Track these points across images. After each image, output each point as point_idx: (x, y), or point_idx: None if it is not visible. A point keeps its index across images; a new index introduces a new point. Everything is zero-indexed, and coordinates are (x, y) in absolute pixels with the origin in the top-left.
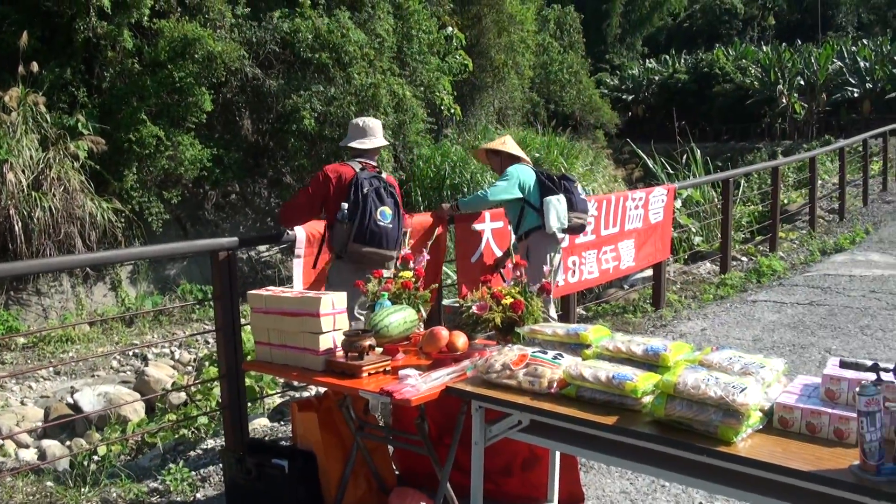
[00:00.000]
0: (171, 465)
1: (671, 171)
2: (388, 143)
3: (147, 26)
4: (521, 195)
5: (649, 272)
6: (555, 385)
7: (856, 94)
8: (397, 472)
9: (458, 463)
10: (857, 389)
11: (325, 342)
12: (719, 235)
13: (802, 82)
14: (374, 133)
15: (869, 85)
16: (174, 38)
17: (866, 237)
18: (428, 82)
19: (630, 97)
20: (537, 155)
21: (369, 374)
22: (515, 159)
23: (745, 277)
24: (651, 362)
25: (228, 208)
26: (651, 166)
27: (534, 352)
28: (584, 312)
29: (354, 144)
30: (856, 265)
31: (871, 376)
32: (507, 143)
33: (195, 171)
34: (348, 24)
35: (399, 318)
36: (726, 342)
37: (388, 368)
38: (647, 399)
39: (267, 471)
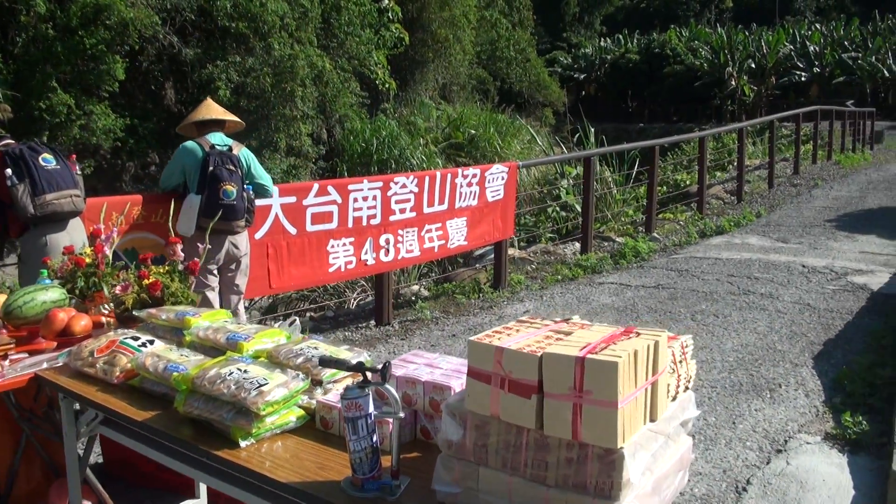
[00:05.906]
0: None
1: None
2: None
3: None
4: (182, 180)
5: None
6: (122, 375)
7: (804, 78)
8: (100, 461)
9: None
10: (342, 392)
11: None
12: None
13: (753, 65)
14: None
15: (817, 69)
16: (86, 3)
17: (755, 220)
18: (359, 55)
19: (582, 76)
20: (473, 132)
21: None
22: (203, 129)
23: (603, 259)
24: (231, 352)
25: (147, 180)
26: (539, 142)
27: (124, 338)
28: (426, 292)
29: None
30: (728, 248)
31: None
32: (196, 112)
33: (108, 140)
34: None
35: (40, 298)
36: None
37: (7, 353)
38: None
39: None
